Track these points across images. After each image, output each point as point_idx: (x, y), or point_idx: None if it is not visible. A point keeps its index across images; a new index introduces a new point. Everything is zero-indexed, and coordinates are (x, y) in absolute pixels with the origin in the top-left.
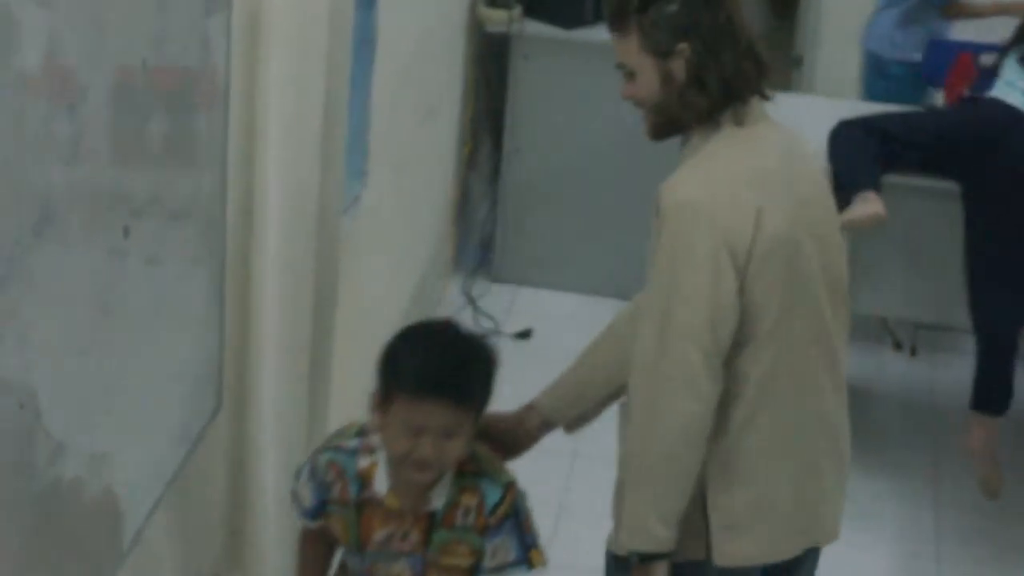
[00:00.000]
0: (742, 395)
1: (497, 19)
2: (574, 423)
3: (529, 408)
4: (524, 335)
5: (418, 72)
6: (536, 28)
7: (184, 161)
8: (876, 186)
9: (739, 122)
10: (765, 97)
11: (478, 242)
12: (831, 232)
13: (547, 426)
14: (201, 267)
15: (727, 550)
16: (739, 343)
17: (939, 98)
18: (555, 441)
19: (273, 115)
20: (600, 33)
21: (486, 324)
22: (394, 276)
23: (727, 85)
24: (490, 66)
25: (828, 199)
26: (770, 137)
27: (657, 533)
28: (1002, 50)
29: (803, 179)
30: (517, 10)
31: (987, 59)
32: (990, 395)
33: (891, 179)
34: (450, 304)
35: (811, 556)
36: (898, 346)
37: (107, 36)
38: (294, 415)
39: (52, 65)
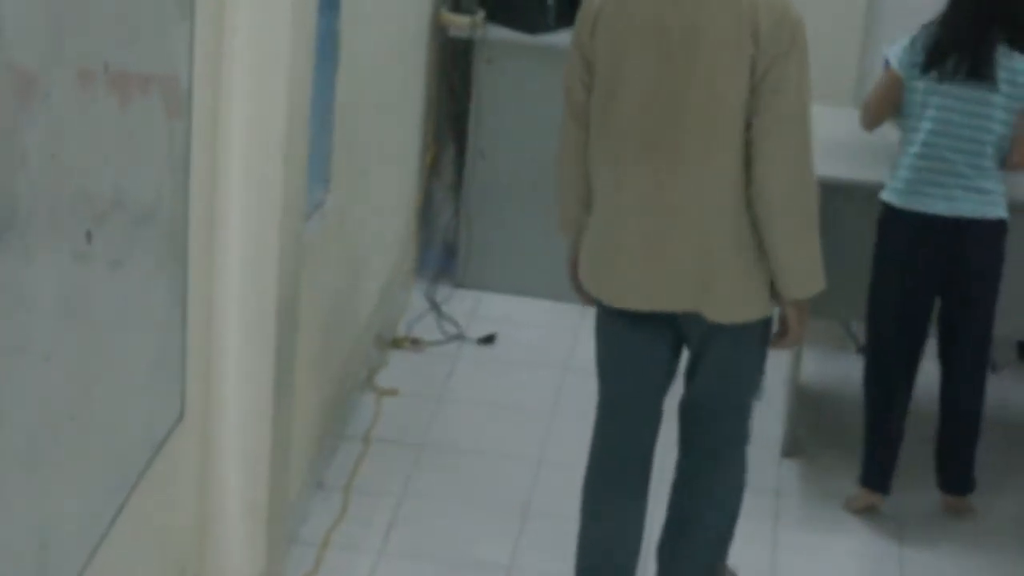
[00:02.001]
0: None
1: (460, 24)
2: None
3: None
4: (488, 340)
5: (381, 77)
6: (499, 33)
7: (147, 166)
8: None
9: None
10: None
11: (442, 247)
12: (694, 66)
13: None
14: (164, 272)
15: None
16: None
17: None
18: (521, 446)
19: (236, 121)
20: (564, 38)
21: (450, 329)
22: (357, 281)
23: None
24: (453, 71)
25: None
26: None
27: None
28: None
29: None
30: (480, 15)
31: None
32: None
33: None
34: (414, 309)
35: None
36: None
37: (69, 39)
38: (258, 420)
39: (13, 68)
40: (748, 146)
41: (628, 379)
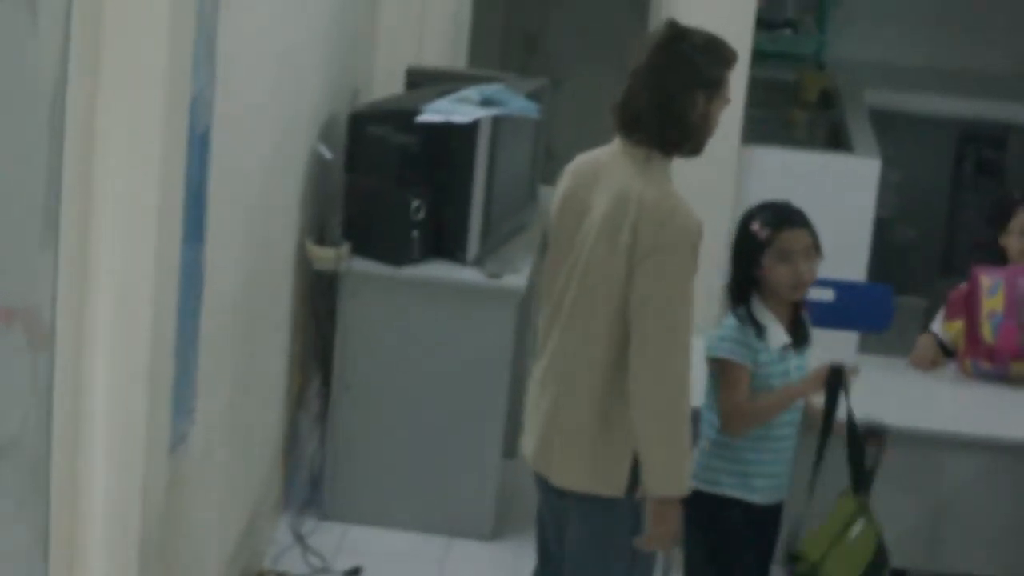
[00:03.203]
0: None
1: (325, 257)
2: None
3: None
4: (354, 573)
5: (246, 309)
6: (364, 266)
7: (9, 399)
8: None
9: None
10: None
11: (308, 479)
12: (593, 251)
13: None
14: (25, 509)
15: None
16: None
17: None
18: None
19: (100, 352)
20: (429, 270)
21: (315, 563)
22: (222, 514)
23: None
24: (319, 303)
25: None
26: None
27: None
28: None
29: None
30: (345, 247)
31: None
32: None
33: None
34: (278, 542)
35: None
36: None
37: None
38: None
39: None
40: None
41: (538, 551)
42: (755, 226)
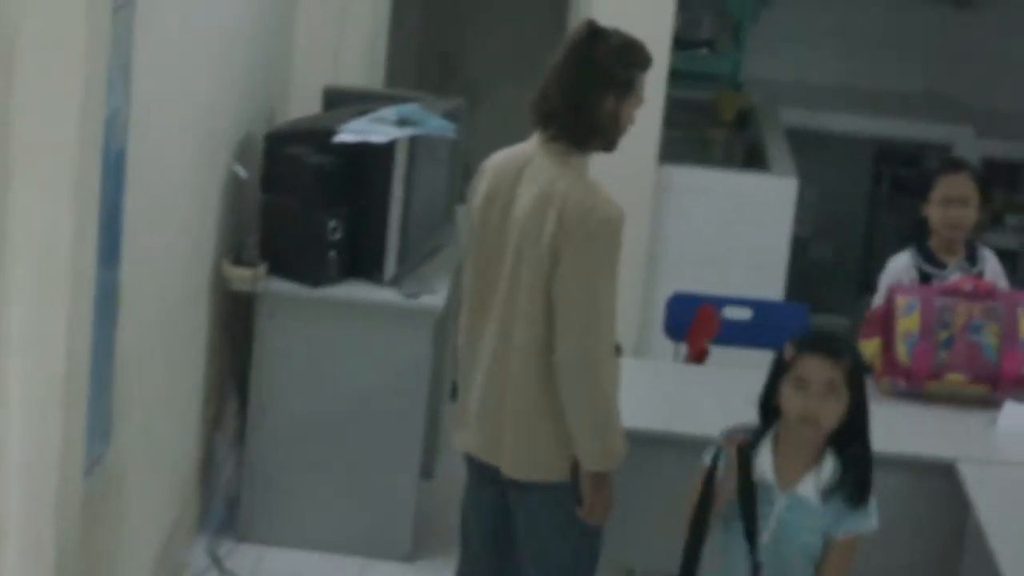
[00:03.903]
0: None
1: (241, 278)
2: None
3: None
4: None
5: (163, 331)
6: (281, 286)
7: None
8: None
9: None
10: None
11: (224, 501)
12: (520, 244)
13: None
14: None
15: None
16: None
17: (682, 351)
18: None
19: (13, 375)
20: (346, 290)
21: None
22: (138, 536)
23: None
24: (236, 324)
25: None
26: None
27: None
28: None
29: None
30: (262, 268)
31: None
32: None
33: None
34: (195, 565)
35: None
36: None
37: None
38: None
39: None
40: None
41: (462, 550)
42: (787, 346)
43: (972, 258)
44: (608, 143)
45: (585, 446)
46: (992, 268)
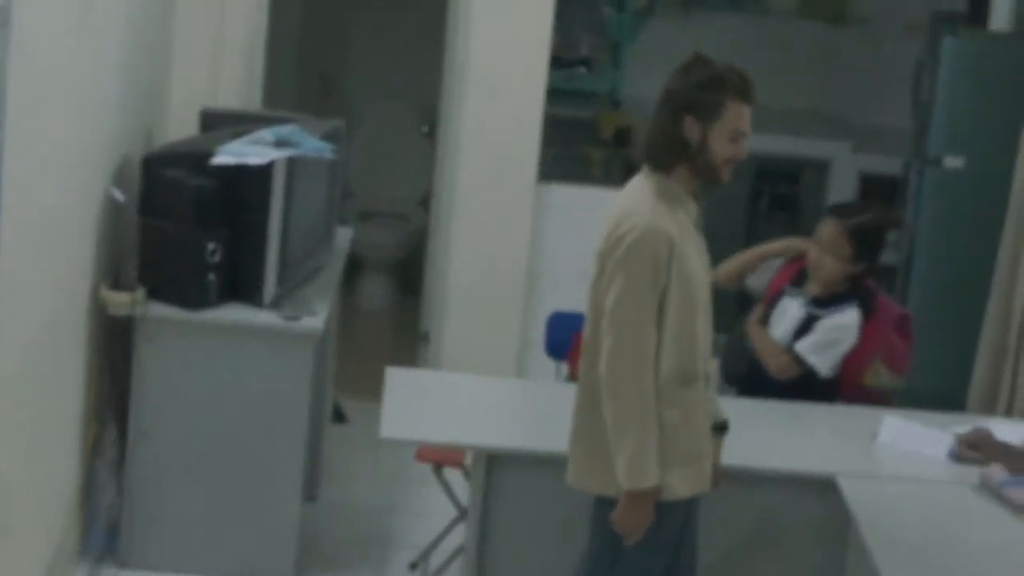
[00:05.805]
0: None
1: (120, 302)
2: None
3: None
4: None
5: (40, 356)
6: (160, 310)
7: None
8: None
9: None
10: None
11: (105, 527)
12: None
13: None
14: None
15: None
16: None
17: (563, 370)
18: None
19: None
20: (226, 313)
21: None
22: (19, 563)
23: None
24: (115, 349)
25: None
26: None
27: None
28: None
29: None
30: (140, 292)
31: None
32: None
33: None
34: None
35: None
36: None
37: None
38: None
39: None
40: None
41: None
42: None
43: (835, 302)
44: (704, 171)
45: (622, 463)
46: (835, 321)
